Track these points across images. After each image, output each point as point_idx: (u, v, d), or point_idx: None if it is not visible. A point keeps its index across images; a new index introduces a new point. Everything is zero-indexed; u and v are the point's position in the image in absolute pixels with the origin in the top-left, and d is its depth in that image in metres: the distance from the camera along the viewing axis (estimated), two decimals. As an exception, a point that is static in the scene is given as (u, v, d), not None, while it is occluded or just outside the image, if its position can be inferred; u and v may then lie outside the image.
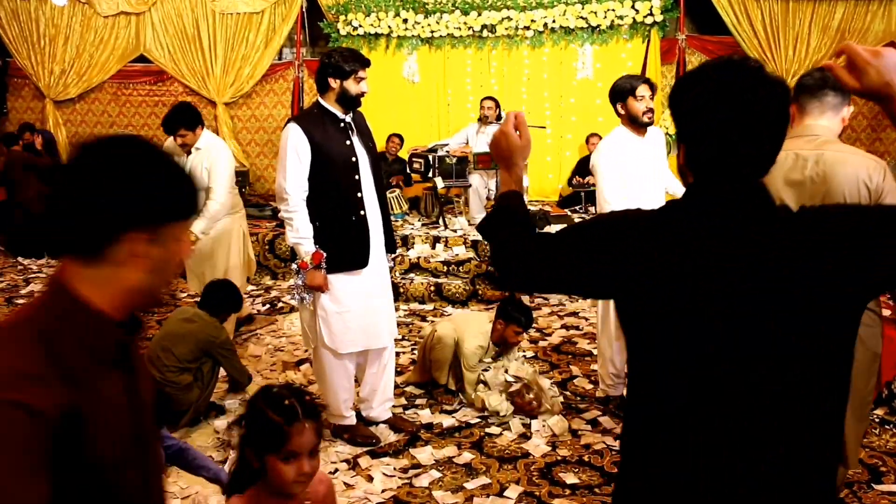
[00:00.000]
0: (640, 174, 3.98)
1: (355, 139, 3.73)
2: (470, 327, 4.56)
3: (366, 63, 3.70)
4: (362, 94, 3.68)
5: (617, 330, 4.13)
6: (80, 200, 1.20)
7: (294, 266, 3.70)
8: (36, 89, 10.83)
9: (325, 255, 3.64)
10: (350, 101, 3.67)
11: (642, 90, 3.92)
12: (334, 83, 3.65)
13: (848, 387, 1.44)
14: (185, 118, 4.96)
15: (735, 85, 1.39)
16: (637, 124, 4.00)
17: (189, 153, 4.99)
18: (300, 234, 3.63)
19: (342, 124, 3.70)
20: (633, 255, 1.45)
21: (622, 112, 4.00)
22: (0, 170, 8.95)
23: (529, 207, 7.94)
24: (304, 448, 1.91)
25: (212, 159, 4.99)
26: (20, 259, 8.35)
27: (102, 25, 10.44)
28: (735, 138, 1.39)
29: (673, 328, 1.42)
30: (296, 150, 3.60)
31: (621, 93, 3.96)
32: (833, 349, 1.40)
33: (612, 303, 4.06)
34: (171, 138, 4.99)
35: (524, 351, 5.34)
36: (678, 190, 4.22)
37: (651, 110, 3.97)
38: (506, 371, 4.51)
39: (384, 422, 4.13)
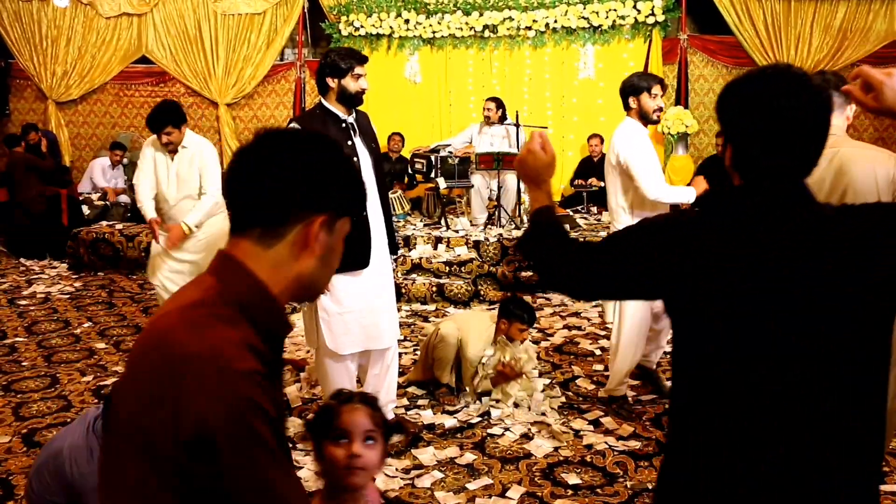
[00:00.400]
0: (654, 164, 4.12)
1: (357, 140, 3.73)
2: (473, 330, 4.54)
3: (362, 60, 3.68)
4: (362, 92, 3.67)
5: (639, 331, 4.16)
6: (277, 172, 1.23)
7: None
8: (38, 90, 10.84)
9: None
10: (350, 100, 3.67)
11: (657, 90, 4.06)
12: (332, 83, 3.65)
13: (877, 388, 1.47)
14: (172, 116, 4.89)
15: (780, 91, 1.45)
16: (646, 120, 4.12)
17: (174, 152, 4.95)
18: None
19: (344, 125, 3.69)
20: (684, 256, 1.49)
21: (633, 106, 4.11)
22: (2, 170, 8.98)
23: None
24: (354, 427, 1.85)
25: (203, 159, 4.98)
26: (22, 260, 8.37)
27: (104, 26, 10.46)
28: (780, 142, 1.46)
29: (726, 327, 1.46)
30: None
31: (637, 88, 4.08)
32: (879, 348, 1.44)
33: (629, 305, 4.09)
34: (154, 137, 4.97)
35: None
36: None
37: (661, 109, 4.10)
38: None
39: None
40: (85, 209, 8.59)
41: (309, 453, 3.86)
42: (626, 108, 4.16)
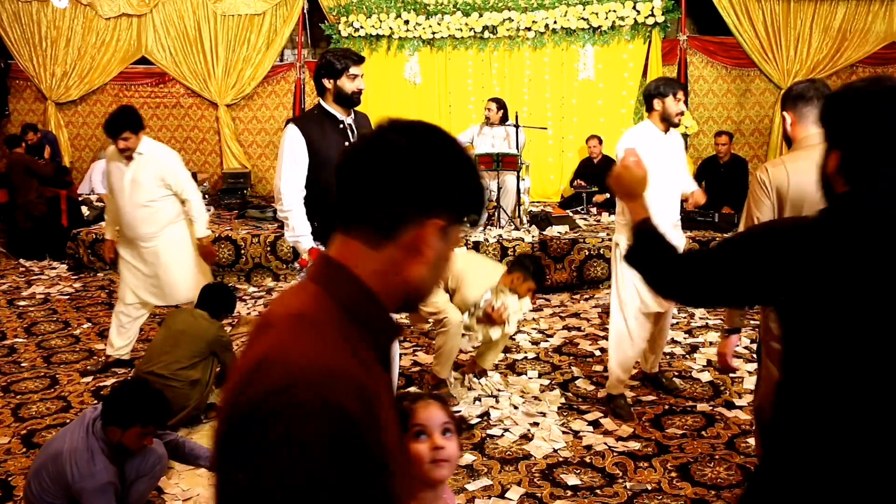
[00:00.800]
0: (656, 167, 4.06)
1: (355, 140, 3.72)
2: (479, 274, 4.55)
3: (358, 60, 3.67)
4: (359, 92, 3.67)
5: (637, 332, 4.21)
6: (396, 168, 1.14)
7: (296, 265, 3.70)
8: (38, 91, 10.84)
9: (322, 251, 3.61)
10: (347, 100, 3.66)
11: (681, 94, 4.24)
12: (329, 83, 3.65)
13: None
14: (130, 121, 4.75)
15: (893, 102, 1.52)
16: (668, 122, 4.25)
17: (130, 158, 4.81)
18: (297, 232, 3.63)
19: (341, 125, 3.69)
20: (799, 263, 1.54)
21: (657, 108, 4.23)
22: (2, 171, 8.98)
23: (531, 208, 7.93)
24: (432, 421, 1.86)
25: (163, 165, 4.86)
26: (22, 261, 8.37)
27: (104, 27, 10.46)
28: (891, 151, 1.52)
29: (845, 333, 1.50)
30: (292, 151, 3.61)
31: (663, 93, 4.22)
32: None
33: (628, 304, 4.10)
34: (112, 148, 4.85)
35: (526, 352, 5.34)
36: (689, 189, 4.46)
37: (682, 113, 4.25)
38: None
39: None
40: (85, 210, 8.58)
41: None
42: (650, 109, 4.28)
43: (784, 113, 2.94)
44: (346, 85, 3.63)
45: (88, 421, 3.09)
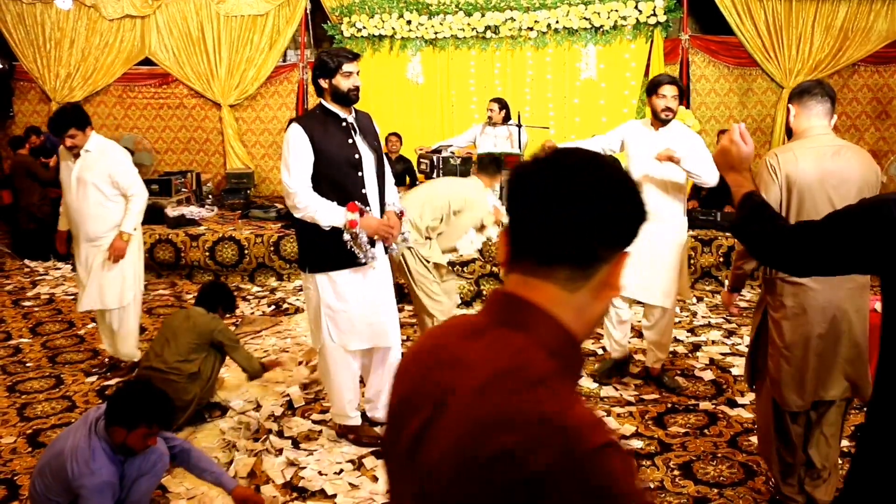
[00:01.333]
0: (639, 160, 4.45)
1: (358, 139, 3.75)
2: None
3: (351, 57, 3.67)
4: (354, 90, 3.67)
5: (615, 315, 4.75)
6: (591, 203, 1.07)
7: (347, 237, 3.62)
8: (42, 92, 10.87)
9: (356, 202, 3.61)
10: (344, 98, 3.68)
11: (665, 90, 4.34)
12: (325, 83, 3.68)
13: None
14: (76, 117, 4.64)
15: None
16: (656, 118, 4.44)
17: (77, 156, 4.72)
18: (327, 212, 3.59)
19: (344, 124, 3.72)
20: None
21: (649, 105, 4.49)
22: (7, 172, 9.00)
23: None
24: None
25: (112, 162, 4.76)
26: (27, 261, 8.41)
27: (108, 29, 10.49)
28: None
29: None
30: (297, 149, 3.63)
31: (649, 89, 4.46)
32: None
33: None
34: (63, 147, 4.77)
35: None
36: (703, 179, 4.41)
37: (668, 109, 4.36)
38: None
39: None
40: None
41: (312, 453, 3.89)
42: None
43: (790, 105, 3.07)
44: (342, 83, 3.65)
45: (91, 420, 3.11)
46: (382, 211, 3.85)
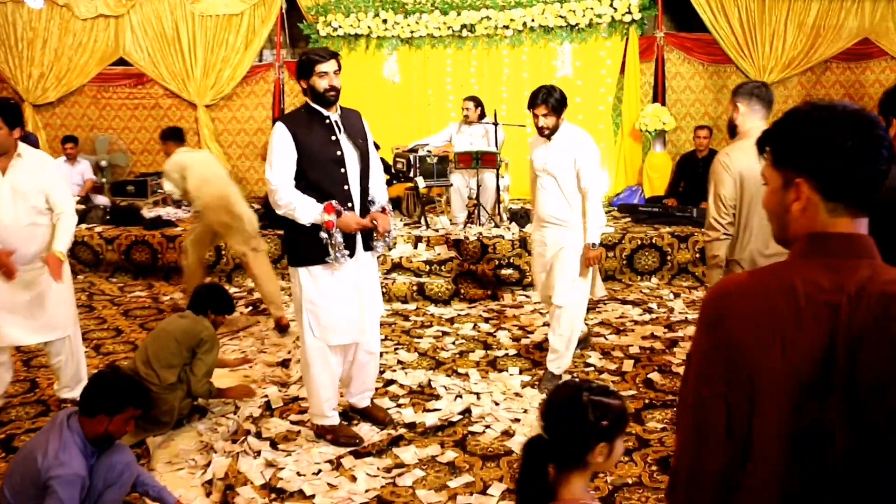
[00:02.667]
0: (537, 170, 4.70)
1: (342, 137, 3.79)
2: None
3: (325, 57, 3.70)
4: (330, 90, 3.70)
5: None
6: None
7: (324, 236, 3.67)
8: (14, 93, 10.74)
9: (333, 202, 3.65)
10: (321, 98, 3.72)
11: (537, 111, 4.46)
12: (304, 83, 3.75)
13: None
14: (4, 110, 4.03)
15: None
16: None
17: (5, 155, 4.08)
18: (306, 209, 3.65)
19: (327, 122, 3.76)
20: None
21: None
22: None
23: (511, 205, 7.94)
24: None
25: (47, 174, 4.19)
26: None
27: (81, 28, 10.39)
28: None
29: None
30: (280, 146, 3.68)
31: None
32: None
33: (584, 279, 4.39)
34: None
35: (507, 349, 5.37)
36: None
37: (542, 128, 4.50)
38: None
39: (361, 410, 4.19)
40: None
41: (290, 454, 3.88)
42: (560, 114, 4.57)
43: (738, 104, 3.32)
44: (318, 83, 3.69)
45: (62, 419, 3.07)
46: (362, 206, 3.86)
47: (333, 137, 3.75)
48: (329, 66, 3.69)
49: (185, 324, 4.31)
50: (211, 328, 4.40)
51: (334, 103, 3.77)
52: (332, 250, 3.68)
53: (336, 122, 3.78)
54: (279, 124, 3.75)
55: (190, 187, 6.07)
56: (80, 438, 3.00)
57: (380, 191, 3.99)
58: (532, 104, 4.48)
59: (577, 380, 2.14)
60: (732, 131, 3.36)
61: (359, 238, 3.81)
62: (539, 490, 1.93)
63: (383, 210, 3.90)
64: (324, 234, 3.65)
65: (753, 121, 3.29)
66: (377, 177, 3.99)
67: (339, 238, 3.65)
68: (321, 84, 3.68)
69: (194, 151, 6.71)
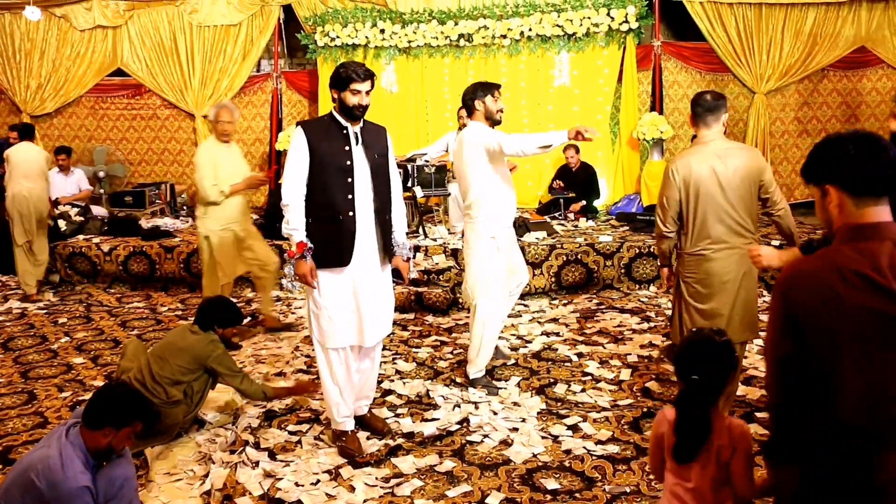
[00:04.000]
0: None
1: (357, 148, 3.85)
2: None
3: (363, 76, 3.78)
4: (359, 107, 3.79)
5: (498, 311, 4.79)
6: None
7: (286, 256, 3.83)
8: (12, 104, 10.77)
9: (308, 245, 3.76)
10: (348, 112, 3.81)
11: (497, 93, 4.74)
12: (335, 94, 3.83)
13: None
14: None
15: None
16: (492, 121, 4.73)
17: None
18: (290, 225, 3.81)
19: (344, 132, 3.84)
20: None
21: (479, 108, 4.73)
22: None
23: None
24: None
25: None
26: (-2, 275, 8.29)
27: (79, 39, 10.41)
28: None
29: None
30: (295, 150, 3.82)
31: (483, 93, 4.71)
32: None
33: (493, 287, 4.55)
34: None
35: (508, 359, 5.36)
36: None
37: (502, 110, 4.79)
38: None
39: (359, 418, 4.20)
40: (62, 224, 8.49)
41: (289, 464, 3.87)
42: (471, 112, 4.75)
43: (694, 124, 3.88)
44: (349, 98, 3.78)
45: (61, 432, 3.04)
46: (377, 219, 3.92)
47: (347, 147, 3.82)
48: (364, 86, 3.77)
49: (193, 341, 4.21)
50: (220, 345, 4.28)
51: (359, 119, 3.87)
52: (290, 279, 3.91)
53: (355, 133, 3.86)
54: (297, 128, 3.88)
55: None
56: (81, 451, 2.96)
57: (401, 225, 4.09)
58: (496, 88, 4.77)
59: (701, 331, 2.48)
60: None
61: (361, 247, 3.85)
62: (700, 426, 2.31)
63: (406, 259, 4.07)
64: (286, 257, 3.83)
65: (701, 130, 3.84)
66: (397, 201, 4.07)
67: (291, 271, 3.86)
68: (352, 100, 3.76)
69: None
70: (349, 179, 3.81)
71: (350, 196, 3.81)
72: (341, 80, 3.77)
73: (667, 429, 2.40)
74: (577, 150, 8.72)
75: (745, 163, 3.73)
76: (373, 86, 3.84)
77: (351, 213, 3.80)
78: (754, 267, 3.70)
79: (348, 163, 3.81)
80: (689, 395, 2.34)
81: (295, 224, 3.79)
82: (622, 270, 7.12)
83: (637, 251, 7.09)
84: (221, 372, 4.21)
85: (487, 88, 4.69)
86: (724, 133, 3.90)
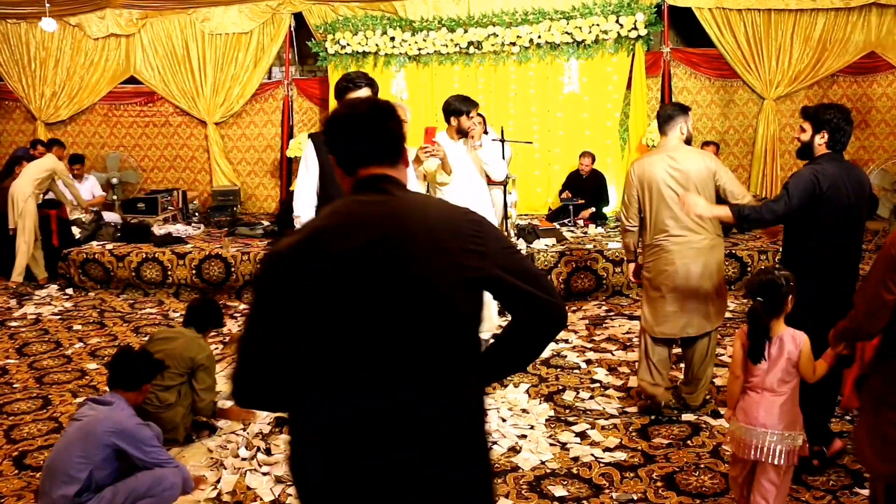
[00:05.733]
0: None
1: None
2: None
3: (357, 85, 3.81)
4: None
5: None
6: None
7: None
8: (27, 112, 10.88)
9: None
10: None
11: (474, 113, 5.03)
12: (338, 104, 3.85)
13: None
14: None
15: None
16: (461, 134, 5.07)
17: None
18: None
19: None
20: None
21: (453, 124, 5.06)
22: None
23: (518, 221, 7.97)
24: None
25: None
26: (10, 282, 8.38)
27: (93, 48, 10.51)
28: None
29: None
30: (305, 162, 3.94)
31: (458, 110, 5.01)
32: None
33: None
34: None
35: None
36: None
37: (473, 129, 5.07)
38: None
39: None
40: (75, 230, 8.59)
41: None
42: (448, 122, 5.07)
43: (666, 129, 4.32)
44: None
45: (90, 414, 3.33)
46: None
47: None
48: (361, 93, 3.82)
49: (182, 344, 4.28)
50: (208, 348, 4.42)
51: None
52: None
53: None
54: (308, 140, 3.99)
55: None
56: (131, 409, 3.41)
57: None
58: (473, 107, 5.03)
59: (766, 268, 3.20)
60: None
61: None
62: (762, 334, 3.02)
63: None
64: None
65: (664, 138, 4.33)
66: None
67: None
68: None
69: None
70: None
71: None
72: (340, 90, 3.85)
73: (743, 338, 3.08)
74: (593, 159, 8.74)
75: (696, 165, 4.14)
76: (375, 93, 3.85)
77: None
78: (718, 260, 4.28)
79: None
80: (756, 311, 3.02)
81: None
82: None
83: (646, 258, 7.09)
84: (208, 367, 4.33)
85: (468, 104, 5.00)
86: (688, 141, 4.37)
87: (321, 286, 1.65)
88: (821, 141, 3.64)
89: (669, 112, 4.32)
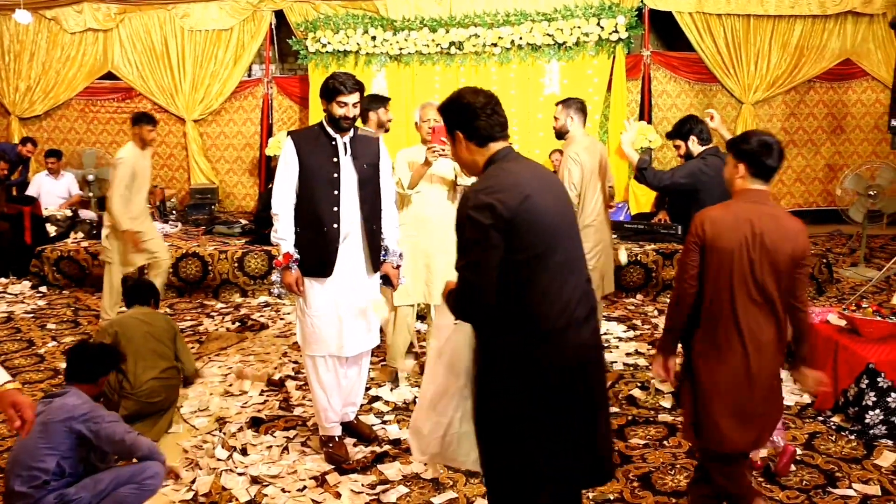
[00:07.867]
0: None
1: (345, 159, 3.87)
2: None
3: (350, 89, 3.78)
4: (345, 118, 3.80)
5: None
6: None
7: (274, 264, 3.89)
8: (1, 106, 10.74)
9: (294, 256, 3.82)
10: (335, 123, 3.84)
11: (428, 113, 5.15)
12: (324, 104, 3.86)
13: None
14: None
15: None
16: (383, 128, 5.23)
17: None
18: (278, 234, 3.86)
19: (333, 143, 3.86)
20: None
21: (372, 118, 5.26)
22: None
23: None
24: None
25: None
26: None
27: (69, 42, 10.40)
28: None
29: None
30: (284, 159, 3.86)
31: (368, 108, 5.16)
32: None
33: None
34: None
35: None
36: None
37: (391, 120, 5.42)
38: None
39: (345, 424, 4.21)
40: (50, 227, 8.49)
41: (275, 470, 3.88)
42: (366, 119, 5.10)
43: (570, 115, 4.92)
44: (335, 110, 3.81)
45: (50, 408, 3.26)
46: (365, 228, 3.95)
47: (335, 159, 3.84)
48: (351, 98, 3.79)
49: (156, 319, 4.63)
50: (168, 318, 4.80)
51: (347, 130, 3.88)
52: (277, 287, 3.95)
53: (344, 144, 3.88)
54: (287, 138, 3.91)
55: None
56: (86, 396, 3.36)
57: (392, 232, 4.11)
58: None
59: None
60: (559, 134, 5.05)
61: (346, 258, 3.88)
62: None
63: (396, 267, 4.08)
64: (274, 266, 3.87)
65: (578, 127, 4.93)
66: (388, 208, 4.10)
67: (278, 278, 3.94)
68: (338, 111, 3.79)
69: None
70: (335, 192, 3.83)
71: (336, 208, 3.83)
72: (329, 91, 3.80)
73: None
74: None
75: (599, 155, 4.96)
76: (361, 97, 3.86)
77: (336, 225, 3.83)
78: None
79: (335, 175, 3.83)
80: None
81: (283, 234, 3.83)
82: (610, 279, 7.16)
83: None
84: (183, 349, 4.77)
85: (381, 101, 5.24)
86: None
87: (537, 222, 2.36)
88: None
89: (584, 105, 5.04)
